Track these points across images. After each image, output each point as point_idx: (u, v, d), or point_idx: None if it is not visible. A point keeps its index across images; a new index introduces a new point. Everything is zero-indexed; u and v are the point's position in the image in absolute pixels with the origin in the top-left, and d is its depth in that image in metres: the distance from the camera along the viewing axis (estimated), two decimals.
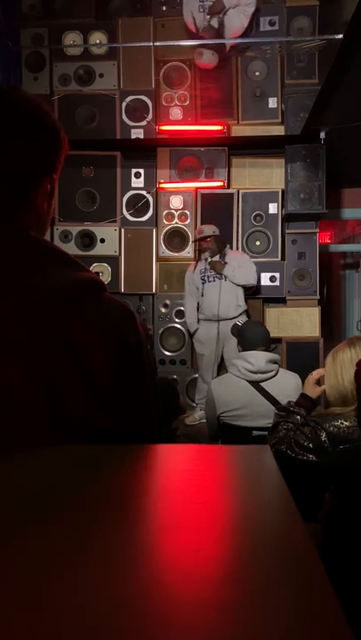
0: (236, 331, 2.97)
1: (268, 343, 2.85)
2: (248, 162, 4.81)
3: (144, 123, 4.74)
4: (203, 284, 4.32)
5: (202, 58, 4.54)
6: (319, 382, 1.98)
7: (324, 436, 1.70)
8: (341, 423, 1.70)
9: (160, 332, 4.77)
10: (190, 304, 4.44)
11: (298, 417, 1.88)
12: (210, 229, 4.36)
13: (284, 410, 1.95)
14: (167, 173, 4.84)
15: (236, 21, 4.52)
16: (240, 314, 4.29)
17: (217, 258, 4.30)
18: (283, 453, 1.74)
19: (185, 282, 4.48)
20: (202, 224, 4.59)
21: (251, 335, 2.78)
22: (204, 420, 3.21)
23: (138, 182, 4.84)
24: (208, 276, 4.31)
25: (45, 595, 0.32)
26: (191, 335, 4.50)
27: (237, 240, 4.72)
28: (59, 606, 0.31)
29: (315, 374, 2.01)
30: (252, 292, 4.55)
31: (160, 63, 4.79)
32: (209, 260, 4.26)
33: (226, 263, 4.26)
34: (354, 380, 1.66)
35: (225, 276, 4.25)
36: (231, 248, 4.57)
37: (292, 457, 1.74)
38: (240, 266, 4.28)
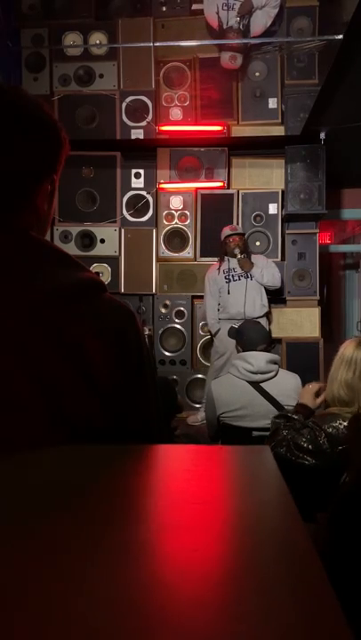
0: (235, 332, 2.97)
1: (268, 343, 2.85)
2: (248, 162, 4.81)
3: (144, 123, 4.74)
4: (227, 283, 4.30)
5: (236, 62, 4.52)
6: (319, 393, 1.97)
7: (323, 438, 1.70)
8: (340, 424, 1.70)
9: (160, 332, 4.77)
10: (211, 305, 4.40)
11: (297, 422, 1.88)
12: (240, 228, 4.42)
13: (283, 417, 1.94)
14: (167, 174, 4.83)
15: (260, 22, 4.51)
16: (264, 314, 4.30)
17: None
18: (282, 456, 1.74)
19: (205, 282, 4.45)
20: (202, 224, 4.58)
21: (250, 335, 2.78)
22: None
23: (138, 182, 4.84)
24: (233, 276, 4.30)
25: (46, 594, 0.33)
26: (213, 335, 4.46)
27: None
28: (59, 606, 0.31)
29: (313, 387, 2.00)
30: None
31: (160, 63, 4.79)
32: (239, 256, 4.25)
33: (253, 263, 4.29)
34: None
35: (251, 276, 4.26)
36: None
37: (291, 460, 1.74)
38: (266, 267, 4.31)
